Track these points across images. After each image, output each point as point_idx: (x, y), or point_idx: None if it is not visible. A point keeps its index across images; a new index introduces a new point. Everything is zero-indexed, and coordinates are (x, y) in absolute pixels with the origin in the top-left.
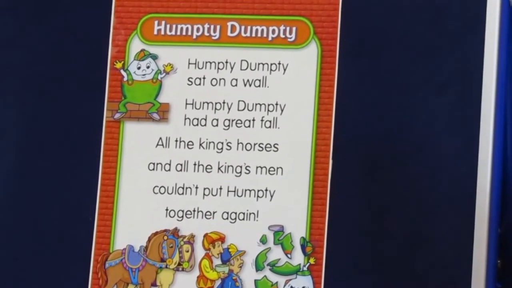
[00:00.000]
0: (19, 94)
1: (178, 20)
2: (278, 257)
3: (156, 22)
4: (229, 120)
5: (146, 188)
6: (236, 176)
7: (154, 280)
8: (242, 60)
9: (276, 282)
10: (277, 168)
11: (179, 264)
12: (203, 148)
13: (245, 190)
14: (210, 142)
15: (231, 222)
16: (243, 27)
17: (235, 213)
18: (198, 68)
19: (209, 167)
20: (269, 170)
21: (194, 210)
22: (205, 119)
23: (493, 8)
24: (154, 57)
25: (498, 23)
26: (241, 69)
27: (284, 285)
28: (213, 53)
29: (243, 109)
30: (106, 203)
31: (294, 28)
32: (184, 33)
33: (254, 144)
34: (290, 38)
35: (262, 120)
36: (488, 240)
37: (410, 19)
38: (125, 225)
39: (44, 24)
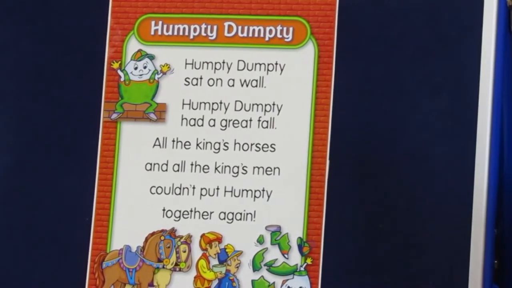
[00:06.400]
0: (15, 95)
1: (175, 20)
2: (275, 257)
3: (153, 22)
4: (226, 120)
5: (143, 189)
6: (233, 176)
7: (151, 280)
8: (239, 61)
9: (273, 283)
10: (274, 168)
11: (176, 265)
12: (200, 148)
13: (242, 190)
14: (207, 143)
15: (228, 222)
16: (240, 27)
17: (232, 213)
18: (195, 68)
19: (206, 167)
20: (266, 171)
21: (191, 210)
22: (202, 120)
23: (490, 10)
24: (151, 58)
25: (495, 25)
26: (238, 69)
27: (281, 285)
28: (210, 53)
29: (240, 109)
30: (103, 203)
31: (291, 28)
32: (181, 33)
33: (251, 145)
34: (287, 38)
35: (259, 120)
36: (485, 241)
37: (407, 20)
38: (122, 226)
39: (41, 25)
